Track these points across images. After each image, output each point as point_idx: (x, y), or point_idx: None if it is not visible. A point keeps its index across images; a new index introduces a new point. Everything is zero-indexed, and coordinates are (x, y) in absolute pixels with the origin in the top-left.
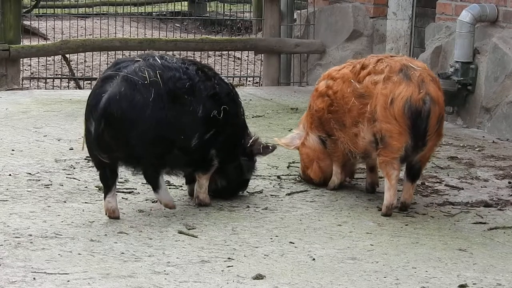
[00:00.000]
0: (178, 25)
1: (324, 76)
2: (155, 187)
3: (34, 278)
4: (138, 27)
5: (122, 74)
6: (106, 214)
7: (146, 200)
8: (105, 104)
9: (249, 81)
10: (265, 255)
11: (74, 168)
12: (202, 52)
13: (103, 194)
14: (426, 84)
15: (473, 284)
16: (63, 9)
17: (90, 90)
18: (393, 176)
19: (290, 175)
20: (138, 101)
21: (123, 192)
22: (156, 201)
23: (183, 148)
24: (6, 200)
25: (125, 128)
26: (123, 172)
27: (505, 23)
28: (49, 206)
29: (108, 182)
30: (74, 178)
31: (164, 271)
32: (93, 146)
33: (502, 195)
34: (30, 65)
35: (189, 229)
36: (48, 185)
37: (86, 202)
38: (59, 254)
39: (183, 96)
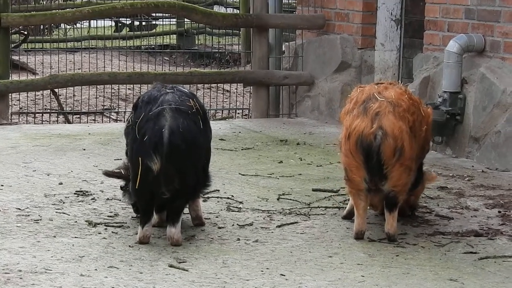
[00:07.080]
0: (167, 58)
1: None
2: (178, 220)
3: None
4: (127, 60)
5: (174, 106)
6: (138, 241)
7: (136, 234)
8: (170, 138)
9: (238, 113)
10: (256, 287)
11: (63, 203)
12: (191, 85)
13: (139, 224)
14: (380, 118)
15: None
16: (51, 44)
17: (144, 129)
18: (360, 206)
19: (282, 208)
20: (195, 130)
21: (113, 226)
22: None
23: (203, 167)
24: None
25: (187, 157)
26: (112, 206)
27: (492, 52)
28: (38, 241)
29: (150, 214)
30: (64, 213)
31: None
32: (156, 182)
33: (492, 225)
34: (19, 100)
35: (179, 263)
36: (38, 220)
37: (76, 237)
38: None
39: (204, 118)
